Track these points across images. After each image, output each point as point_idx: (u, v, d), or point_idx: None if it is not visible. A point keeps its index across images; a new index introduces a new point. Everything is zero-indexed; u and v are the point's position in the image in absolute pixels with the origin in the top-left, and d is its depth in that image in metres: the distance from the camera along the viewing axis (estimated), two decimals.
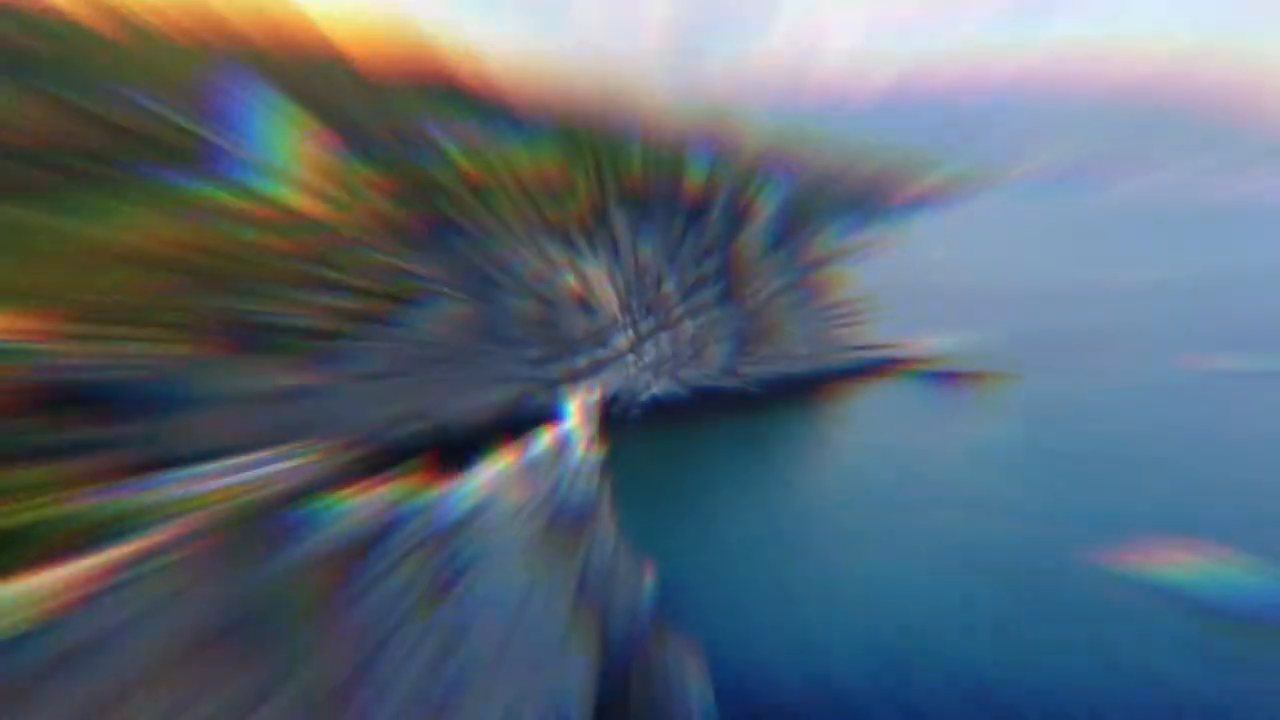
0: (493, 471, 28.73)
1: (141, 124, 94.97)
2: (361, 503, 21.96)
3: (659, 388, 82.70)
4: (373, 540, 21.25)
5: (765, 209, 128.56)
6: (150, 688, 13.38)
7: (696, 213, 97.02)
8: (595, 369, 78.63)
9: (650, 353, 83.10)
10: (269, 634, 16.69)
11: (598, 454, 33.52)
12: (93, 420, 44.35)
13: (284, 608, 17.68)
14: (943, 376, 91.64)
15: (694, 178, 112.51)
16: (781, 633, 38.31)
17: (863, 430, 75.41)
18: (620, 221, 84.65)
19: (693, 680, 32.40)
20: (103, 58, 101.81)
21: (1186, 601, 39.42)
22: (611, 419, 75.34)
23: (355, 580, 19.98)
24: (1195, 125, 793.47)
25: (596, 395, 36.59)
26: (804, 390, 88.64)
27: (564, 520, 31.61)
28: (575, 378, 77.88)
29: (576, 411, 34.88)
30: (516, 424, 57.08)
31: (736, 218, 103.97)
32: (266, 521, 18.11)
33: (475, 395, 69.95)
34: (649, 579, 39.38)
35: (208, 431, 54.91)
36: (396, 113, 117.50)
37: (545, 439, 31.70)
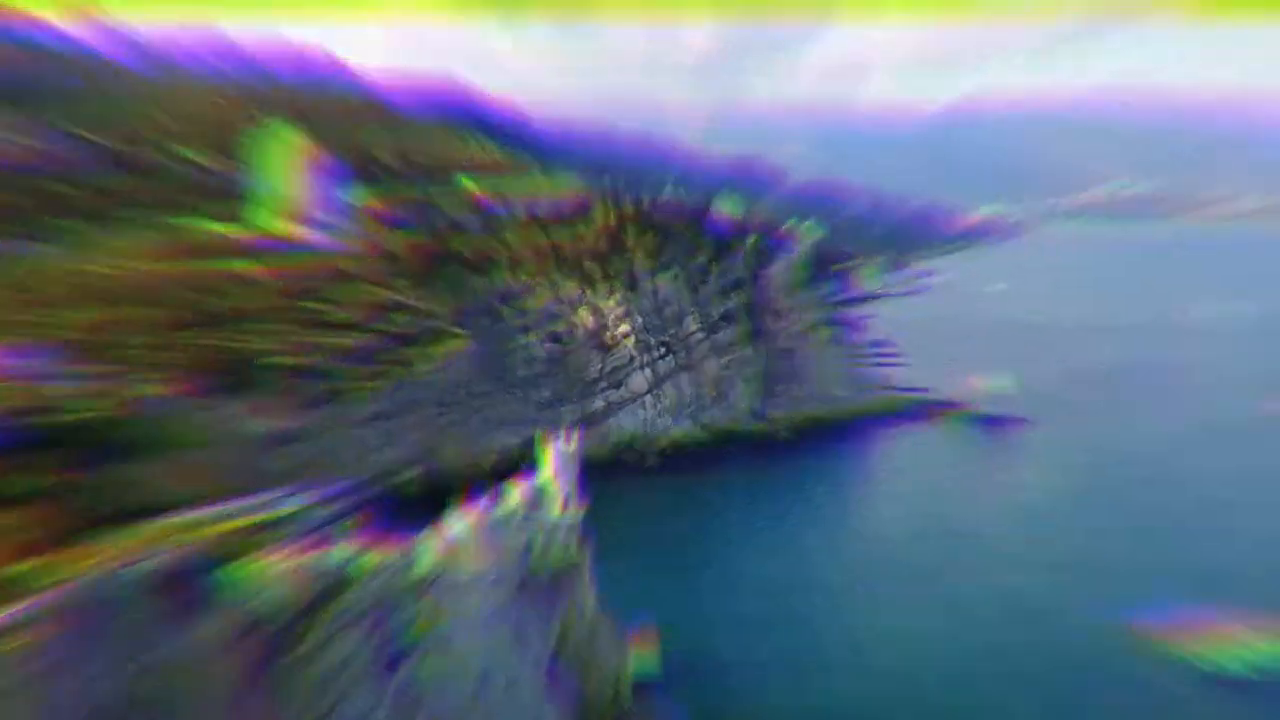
0: (461, 528, 25.11)
1: (140, 156, 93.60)
2: (313, 561, 19.47)
3: (679, 431, 78.00)
4: (321, 602, 18.69)
5: (801, 241, 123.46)
6: None
7: (724, 243, 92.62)
8: (610, 412, 74.40)
9: (670, 394, 78.65)
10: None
11: (576, 510, 30.38)
12: (65, 466, 41.18)
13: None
14: (986, 420, 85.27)
15: (722, 206, 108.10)
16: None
17: (895, 480, 69.59)
18: (640, 251, 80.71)
19: None
20: (113, 90, 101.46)
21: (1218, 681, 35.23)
22: (626, 465, 71.00)
23: (300, 645, 18.34)
24: (1253, 158, 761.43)
25: (573, 445, 32.59)
26: (835, 435, 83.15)
27: (536, 584, 27.55)
28: (589, 421, 73.66)
29: (552, 462, 30.93)
30: (521, 470, 52.62)
31: (768, 249, 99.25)
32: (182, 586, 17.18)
33: (479, 440, 66.25)
34: (633, 653, 34.92)
35: (185, 477, 51.36)
36: (412, 142, 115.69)
37: (518, 494, 28.04)
